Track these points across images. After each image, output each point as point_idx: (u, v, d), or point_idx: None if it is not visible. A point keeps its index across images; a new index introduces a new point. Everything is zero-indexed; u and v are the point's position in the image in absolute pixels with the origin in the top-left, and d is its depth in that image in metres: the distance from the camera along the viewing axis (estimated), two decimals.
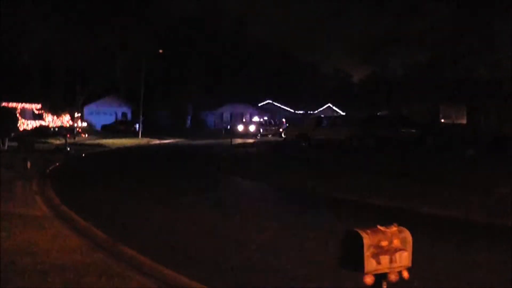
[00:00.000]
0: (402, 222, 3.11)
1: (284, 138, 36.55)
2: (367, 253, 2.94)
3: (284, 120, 57.39)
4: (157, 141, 43.12)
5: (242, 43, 71.53)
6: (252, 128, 52.81)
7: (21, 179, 15.72)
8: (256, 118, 56.95)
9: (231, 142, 36.64)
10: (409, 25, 45.67)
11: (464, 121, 35.28)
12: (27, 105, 41.68)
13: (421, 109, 40.35)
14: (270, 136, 51.76)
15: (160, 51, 49.73)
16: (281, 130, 54.44)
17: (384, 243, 3.02)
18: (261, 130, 52.53)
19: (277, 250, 8.12)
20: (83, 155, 27.89)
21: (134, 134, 48.22)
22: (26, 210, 10.81)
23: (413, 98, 42.48)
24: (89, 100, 53.55)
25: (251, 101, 68.42)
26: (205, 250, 8.13)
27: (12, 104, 37.25)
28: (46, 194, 13.35)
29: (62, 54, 43.19)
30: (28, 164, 17.12)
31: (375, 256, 2.98)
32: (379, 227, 3.12)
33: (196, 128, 61.78)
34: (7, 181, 15.25)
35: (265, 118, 57.69)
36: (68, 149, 27.98)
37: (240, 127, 54.00)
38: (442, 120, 36.62)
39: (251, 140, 42.74)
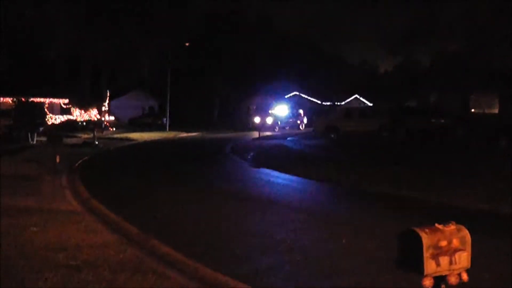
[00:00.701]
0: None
1: (313, 130, 36.05)
2: (426, 254, 2.74)
3: (301, 111, 56.03)
4: (184, 134, 43.14)
5: (269, 35, 71.07)
6: (269, 120, 50.05)
7: (50, 173, 15.74)
8: (278, 109, 53.54)
9: (259, 134, 36.47)
10: (440, 13, 44.89)
11: (495, 111, 34.57)
12: (55, 100, 41.93)
13: (450, 99, 39.71)
14: (287, 128, 50.63)
15: (186, 44, 49.71)
16: (298, 122, 53.42)
17: (443, 243, 2.81)
18: (279, 122, 50.56)
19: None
20: (111, 149, 27.92)
21: (162, 128, 48.29)
22: (56, 205, 10.76)
23: (442, 88, 41.81)
24: (116, 94, 53.76)
25: (278, 93, 68.07)
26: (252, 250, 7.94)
27: (40, 99, 37.48)
28: (75, 189, 13.32)
29: (89, 49, 43.39)
30: (57, 159, 17.12)
31: (435, 257, 2.78)
32: (437, 225, 2.90)
33: (223, 121, 61.51)
34: (37, 175, 15.30)
35: (283, 109, 54.32)
36: (96, 143, 28.07)
37: (257, 119, 50.35)
38: (472, 110, 36.01)
39: (269, 133, 41.91)
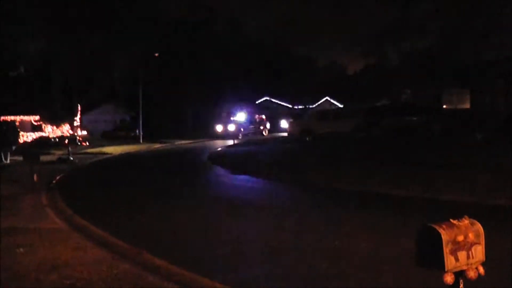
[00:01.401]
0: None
1: (288, 133, 36.00)
2: (446, 249, 2.75)
3: (264, 117, 55.05)
4: (158, 145, 42.88)
5: (237, 41, 71.08)
6: (231, 127, 48.02)
7: (29, 192, 15.46)
8: (240, 116, 51.37)
9: (233, 142, 36.44)
10: (412, 11, 45.38)
11: (467, 105, 35.02)
12: (25, 117, 41.31)
13: (422, 95, 40.12)
14: (249, 135, 49.31)
15: (156, 54, 49.40)
16: (261, 128, 52.10)
17: (460, 238, 2.83)
18: (242, 129, 48.65)
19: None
20: (87, 164, 27.61)
21: (135, 140, 47.94)
22: (39, 224, 10.55)
23: (413, 85, 42.22)
24: (87, 108, 53.28)
25: (249, 99, 68.21)
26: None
27: (10, 117, 36.87)
28: (57, 206, 13.08)
29: (59, 63, 42.98)
30: (35, 177, 16.82)
31: (453, 252, 2.79)
32: (452, 220, 2.92)
33: (196, 130, 61.04)
34: (15, 195, 15.01)
35: (245, 116, 52.33)
36: (71, 158, 27.73)
37: (219, 127, 49.34)
38: (444, 106, 36.38)
39: (232, 142, 39.76)
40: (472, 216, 2.92)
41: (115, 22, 44.72)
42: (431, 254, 2.82)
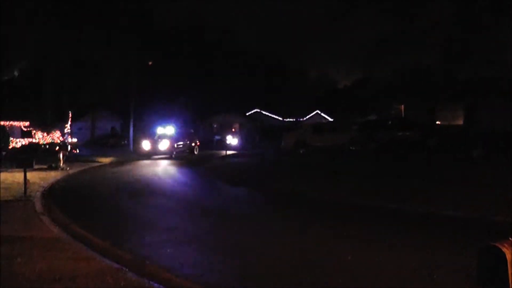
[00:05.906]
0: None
1: (282, 146, 35.51)
2: (510, 270, 2.59)
3: (192, 131, 50.22)
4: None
5: (229, 53, 71.30)
6: (164, 145, 40.75)
7: (22, 199, 15.16)
8: (169, 130, 43.45)
9: (225, 153, 36.35)
10: (410, 28, 45.67)
11: (460, 122, 35.08)
12: (15, 123, 40.76)
13: (415, 110, 40.14)
14: (182, 152, 42.56)
15: (150, 63, 49.03)
16: (193, 144, 45.02)
17: None
18: (175, 146, 41.45)
19: None
20: (78, 171, 27.25)
21: (125, 148, 47.53)
22: (36, 233, 10.32)
23: (406, 100, 42.27)
24: (78, 115, 52.84)
25: (240, 111, 68.26)
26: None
27: (0, 122, 36.37)
28: (52, 214, 12.80)
29: (50, 69, 42.69)
30: (28, 183, 16.52)
31: None
32: None
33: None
34: (8, 202, 14.71)
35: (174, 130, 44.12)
36: (63, 165, 27.37)
37: (146, 144, 41.55)
38: (438, 122, 36.44)
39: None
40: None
41: (108, 29, 44.46)
42: (494, 275, 2.64)
